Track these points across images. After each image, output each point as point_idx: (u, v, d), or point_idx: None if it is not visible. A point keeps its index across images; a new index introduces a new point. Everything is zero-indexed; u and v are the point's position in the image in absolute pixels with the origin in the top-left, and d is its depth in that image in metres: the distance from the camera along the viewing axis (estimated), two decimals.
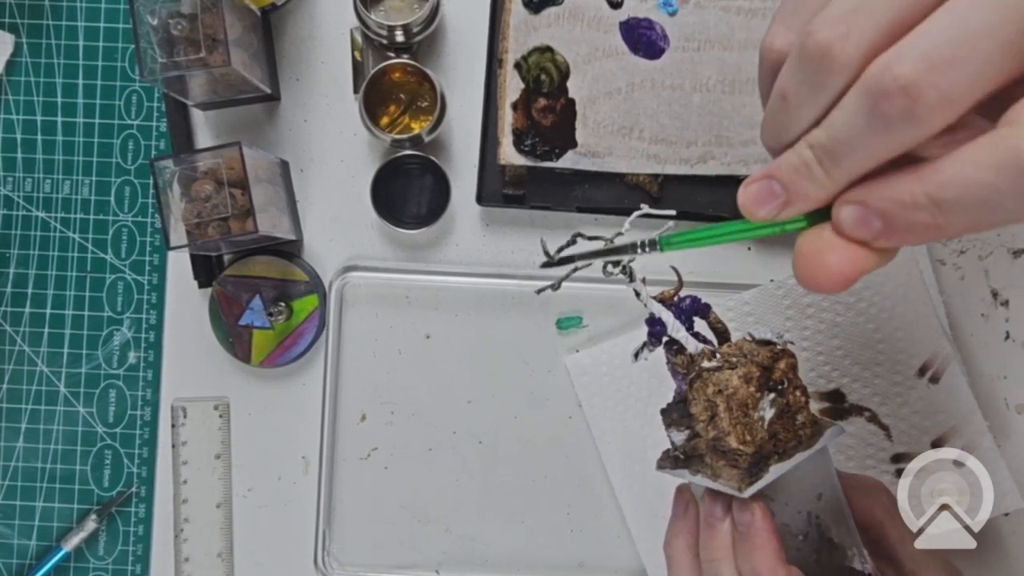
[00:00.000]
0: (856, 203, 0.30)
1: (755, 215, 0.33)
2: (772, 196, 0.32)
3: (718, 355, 0.41)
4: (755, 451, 0.39)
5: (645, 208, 0.41)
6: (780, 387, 0.41)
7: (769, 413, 0.40)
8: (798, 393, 0.41)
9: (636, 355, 0.43)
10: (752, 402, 0.39)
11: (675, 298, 0.42)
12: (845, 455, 0.55)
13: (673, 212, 0.40)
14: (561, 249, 0.40)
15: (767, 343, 0.42)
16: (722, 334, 0.43)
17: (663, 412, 0.44)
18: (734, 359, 0.41)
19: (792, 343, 0.49)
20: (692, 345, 0.42)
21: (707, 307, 0.43)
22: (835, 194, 0.31)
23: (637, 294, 0.42)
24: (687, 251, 0.41)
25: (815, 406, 0.55)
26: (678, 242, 0.36)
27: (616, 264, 0.41)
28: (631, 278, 0.41)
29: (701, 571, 0.43)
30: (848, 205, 0.31)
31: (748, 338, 0.42)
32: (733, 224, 0.34)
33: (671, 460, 0.44)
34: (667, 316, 0.42)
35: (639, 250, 0.37)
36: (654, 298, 0.42)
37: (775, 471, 0.40)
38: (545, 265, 0.40)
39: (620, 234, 0.40)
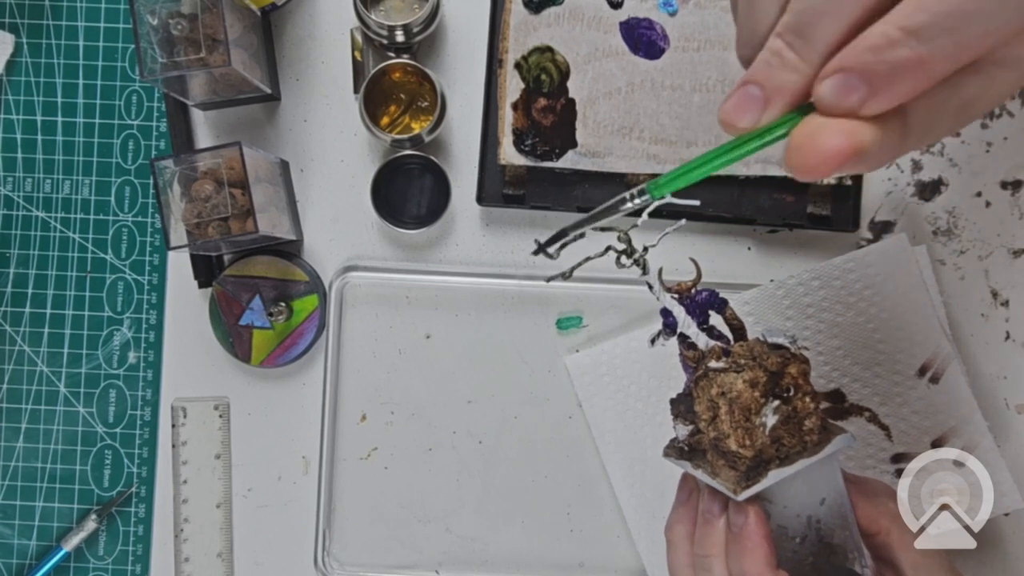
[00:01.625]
0: (833, 73, 0.29)
1: (737, 124, 0.32)
2: (750, 100, 0.31)
3: (729, 355, 0.41)
4: (754, 455, 0.39)
5: (668, 198, 0.40)
6: (786, 394, 0.40)
7: (772, 420, 0.39)
8: (807, 399, 0.40)
9: (652, 340, 0.43)
10: (755, 407, 0.39)
11: (692, 291, 0.42)
12: (845, 455, 0.55)
13: (697, 202, 0.39)
14: (550, 241, 0.39)
15: (778, 347, 0.41)
16: (738, 331, 0.43)
17: (672, 402, 0.44)
18: (742, 361, 0.40)
19: (807, 348, 0.48)
20: (702, 341, 0.42)
21: (724, 302, 0.42)
22: (811, 77, 0.30)
23: (650, 287, 0.41)
24: (688, 251, 0.41)
25: None
26: (667, 182, 0.35)
27: (629, 255, 0.41)
28: (644, 270, 0.41)
29: None
30: (826, 79, 0.30)
31: (761, 339, 0.42)
32: (719, 148, 0.33)
33: (676, 451, 0.44)
34: (678, 311, 0.42)
35: (629, 201, 0.36)
36: (670, 290, 0.42)
37: (774, 476, 0.39)
38: (552, 251, 0.39)
39: (635, 226, 0.40)
